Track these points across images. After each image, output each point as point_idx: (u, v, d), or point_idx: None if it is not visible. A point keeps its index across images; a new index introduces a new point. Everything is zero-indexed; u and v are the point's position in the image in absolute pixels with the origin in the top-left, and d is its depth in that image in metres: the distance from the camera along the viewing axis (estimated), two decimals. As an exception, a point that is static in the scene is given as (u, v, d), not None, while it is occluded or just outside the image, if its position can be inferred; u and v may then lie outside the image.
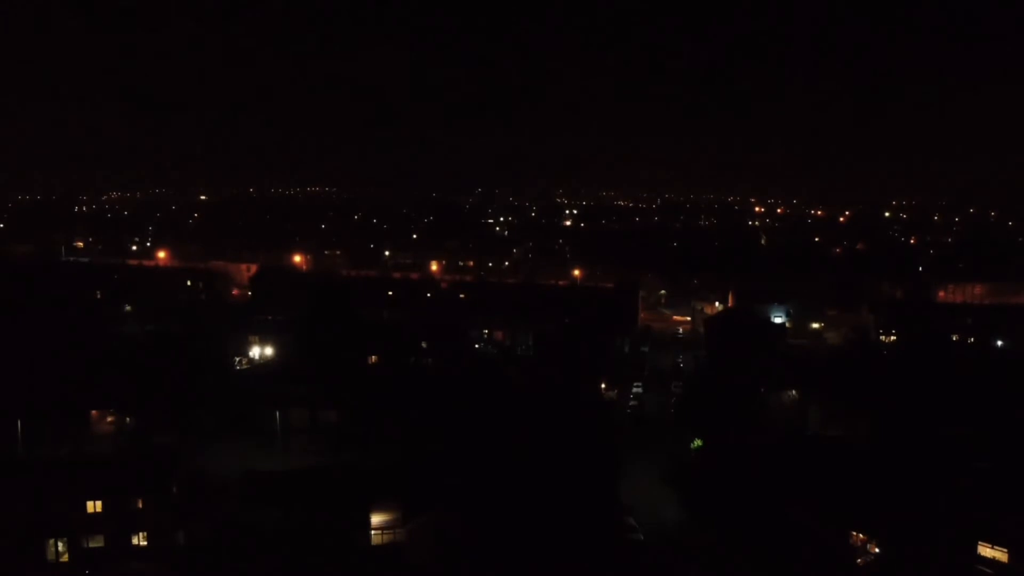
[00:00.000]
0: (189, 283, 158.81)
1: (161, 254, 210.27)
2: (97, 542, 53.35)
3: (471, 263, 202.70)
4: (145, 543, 53.65)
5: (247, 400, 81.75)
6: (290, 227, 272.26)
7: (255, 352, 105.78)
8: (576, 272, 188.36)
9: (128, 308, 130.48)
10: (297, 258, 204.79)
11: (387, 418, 78.01)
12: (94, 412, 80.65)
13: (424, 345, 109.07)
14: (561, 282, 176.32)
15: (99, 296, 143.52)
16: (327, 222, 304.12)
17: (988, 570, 51.24)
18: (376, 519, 54.77)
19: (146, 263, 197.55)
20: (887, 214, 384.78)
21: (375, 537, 54.22)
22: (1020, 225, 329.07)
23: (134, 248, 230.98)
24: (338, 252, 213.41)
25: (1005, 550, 51.33)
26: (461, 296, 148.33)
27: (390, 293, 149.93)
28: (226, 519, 55.39)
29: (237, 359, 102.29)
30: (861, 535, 55.29)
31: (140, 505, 54.10)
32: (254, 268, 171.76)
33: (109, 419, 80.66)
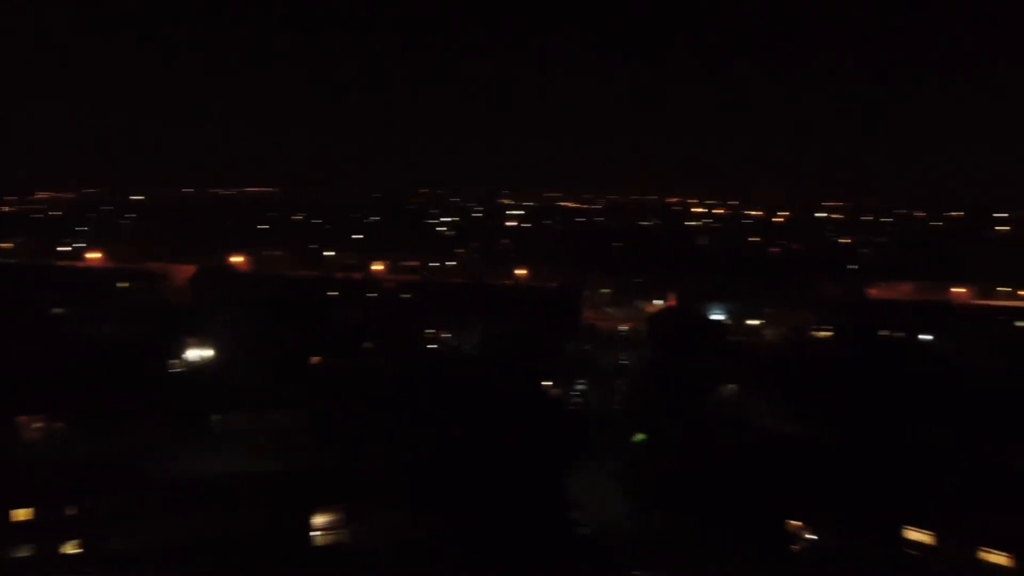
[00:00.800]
0: (124, 285, 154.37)
1: (94, 255, 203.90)
2: (26, 551, 51.53)
3: (415, 263, 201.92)
4: (79, 551, 52.05)
5: (186, 403, 79.89)
6: (229, 227, 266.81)
7: (194, 354, 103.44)
8: (521, 272, 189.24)
9: (59, 311, 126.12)
10: (237, 259, 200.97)
11: (331, 419, 77.24)
12: (23, 417, 77.80)
13: (369, 345, 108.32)
14: (506, 282, 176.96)
15: (28, 298, 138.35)
16: (267, 222, 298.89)
17: (915, 552, 53.43)
18: (319, 520, 54.24)
19: (79, 265, 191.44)
20: (821, 215, 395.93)
21: (318, 538, 53.66)
22: (946, 226, 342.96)
23: (66, 249, 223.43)
24: (279, 252, 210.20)
25: (931, 533, 53.61)
26: (406, 296, 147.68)
27: (333, 293, 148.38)
28: (163, 525, 54.11)
29: (175, 361, 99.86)
30: (798, 522, 57.02)
31: (72, 513, 52.50)
32: (192, 269, 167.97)
33: (37, 425, 77.86)
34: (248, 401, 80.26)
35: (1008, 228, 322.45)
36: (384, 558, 52.55)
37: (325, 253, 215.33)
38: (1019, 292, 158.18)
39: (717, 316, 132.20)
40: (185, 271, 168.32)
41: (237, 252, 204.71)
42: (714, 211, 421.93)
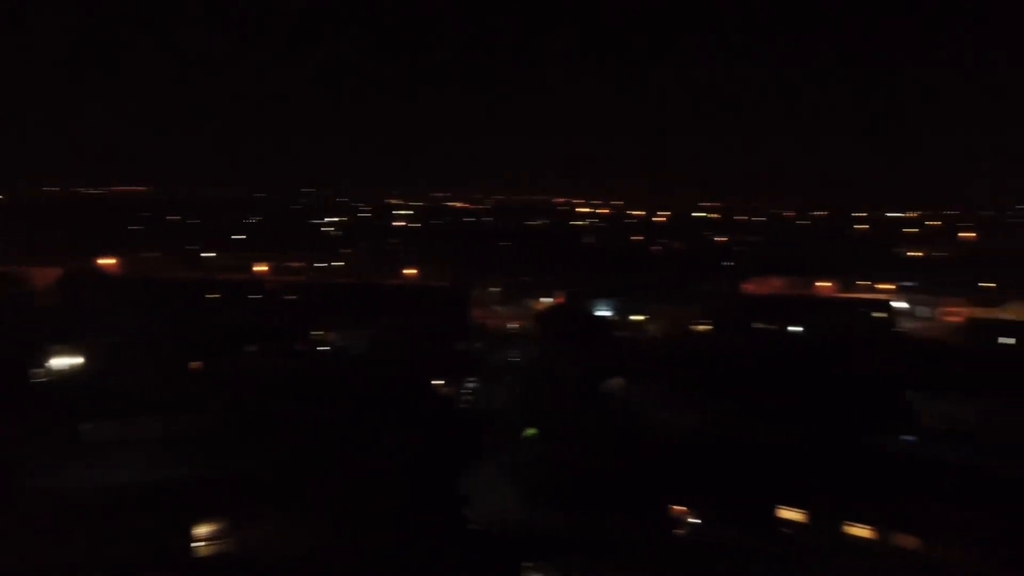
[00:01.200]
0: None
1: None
2: None
3: (300, 264, 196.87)
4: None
5: (54, 413, 74.94)
6: (98, 228, 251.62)
7: (61, 362, 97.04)
8: (410, 272, 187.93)
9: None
10: (108, 261, 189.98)
11: (213, 425, 74.40)
12: None
13: (252, 348, 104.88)
14: (394, 282, 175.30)
15: None
16: (141, 223, 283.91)
17: (788, 530, 56.80)
18: (201, 530, 52.16)
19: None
20: (699, 215, 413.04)
21: (201, 549, 51.60)
22: (812, 226, 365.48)
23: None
24: (155, 254, 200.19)
25: (801, 511, 57.17)
26: (291, 297, 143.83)
27: (214, 295, 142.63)
28: (33, 543, 50.63)
29: (39, 370, 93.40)
30: (681, 507, 59.46)
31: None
32: (58, 272, 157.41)
33: None
34: (122, 409, 76.18)
35: (866, 227, 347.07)
36: (272, 566, 51.15)
37: (204, 254, 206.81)
38: (877, 285, 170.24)
39: (603, 312, 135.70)
40: (50, 274, 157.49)
41: (107, 254, 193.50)
42: (599, 211, 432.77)
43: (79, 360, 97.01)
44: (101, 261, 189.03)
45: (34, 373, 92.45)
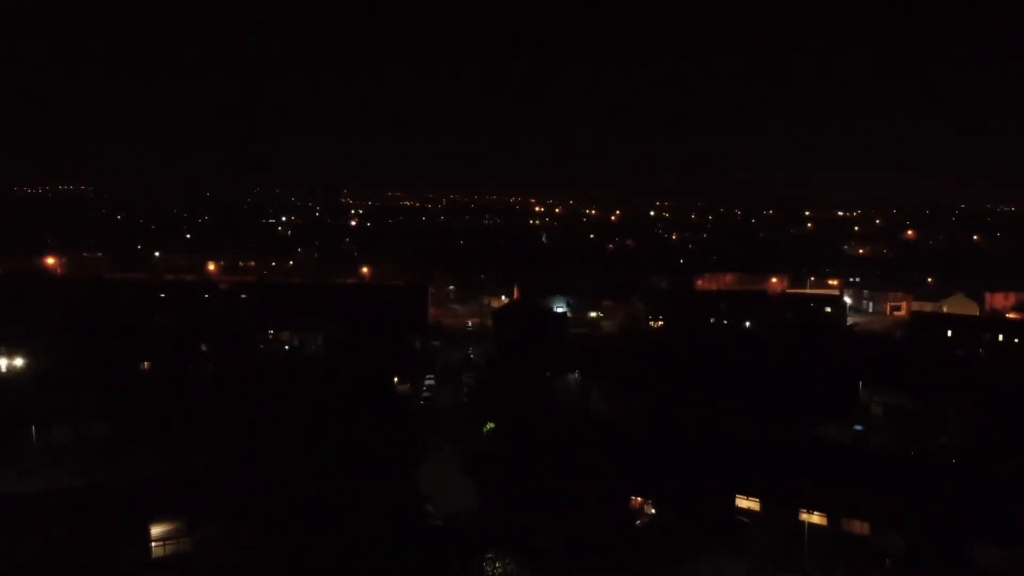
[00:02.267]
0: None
1: None
2: None
3: (252, 264, 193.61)
4: None
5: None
6: (40, 228, 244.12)
7: (1, 363, 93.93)
8: (364, 271, 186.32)
9: None
10: (50, 260, 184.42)
11: (164, 426, 72.81)
12: None
13: (203, 349, 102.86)
14: (349, 281, 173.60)
15: None
16: (84, 222, 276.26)
17: (744, 519, 57.77)
18: (157, 531, 50.97)
19: None
20: (652, 214, 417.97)
21: (156, 549, 50.44)
22: (761, 223, 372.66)
23: None
24: (99, 254, 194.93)
25: (757, 500, 58.21)
26: (242, 297, 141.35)
27: (163, 296, 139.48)
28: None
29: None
30: (639, 499, 60.05)
31: None
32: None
33: None
34: (69, 411, 74.08)
35: (811, 226, 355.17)
36: (230, 565, 50.24)
37: (154, 253, 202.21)
38: (828, 281, 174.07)
39: (558, 309, 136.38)
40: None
41: (48, 253, 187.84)
42: (554, 210, 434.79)
43: (19, 362, 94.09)
44: (42, 261, 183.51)
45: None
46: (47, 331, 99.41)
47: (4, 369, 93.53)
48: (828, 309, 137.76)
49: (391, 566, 51.58)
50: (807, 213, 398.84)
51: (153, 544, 50.40)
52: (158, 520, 51.07)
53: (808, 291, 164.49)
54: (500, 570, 51.19)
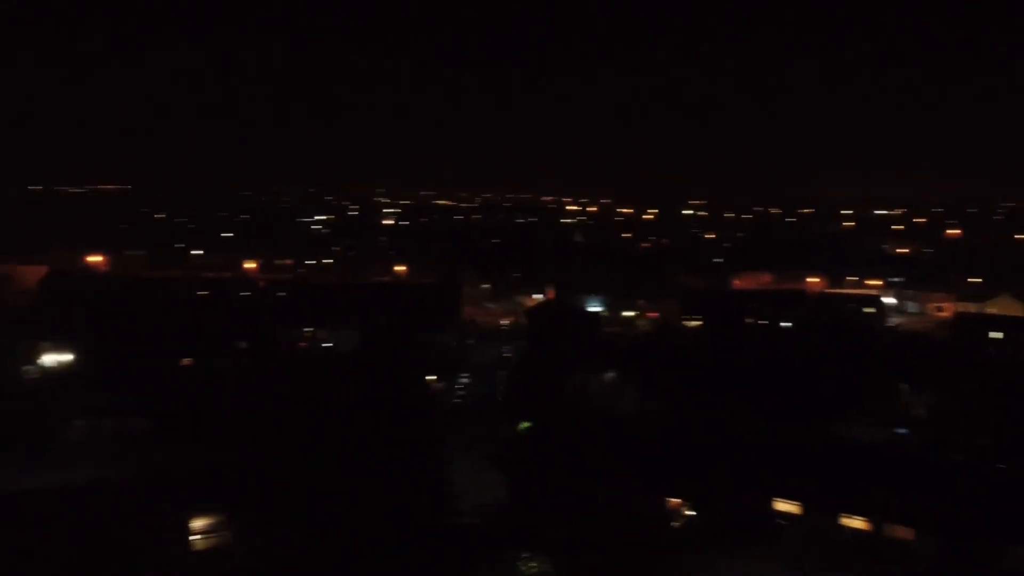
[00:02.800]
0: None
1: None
2: None
3: (289, 262, 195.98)
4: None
5: (42, 411, 74.30)
6: (83, 226, 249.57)
7: (48, 359, 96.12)
8: (398, 269, 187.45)
9: None
10: (93, 259, 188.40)
11: (204, 421, 73.90)
12: None
13: (242, 345, 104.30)
14: (384, 279, 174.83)
15: None
16: (127, 221, 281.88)
17: (783, 521, 56.97)
18: (197, 524, 51.84)
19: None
20: (687, 212, 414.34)
21: (198, 542, 51.28)
22: (798, 221, 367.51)
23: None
24: (140, 252, 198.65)
25: (796, 503, 57.35)
26: (279, 295, 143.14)
27: (202, 293, 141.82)
28: (24, 543, 50.00)
29: (26, 368, 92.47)
30: (675, 500, 59.52)
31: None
32: (43, 270, 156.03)
33: None
34: (113, 406, 75.60)
35: (853, 224, 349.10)
36: (267, 559, 50.85)
37: (192, 252, 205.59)
38: (866, 281, 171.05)
39: (593, 308, 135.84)
40: (34, 272, 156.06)
41: (93, 252, 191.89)
42: (587, 209, 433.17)
43: (68, 358, 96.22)
44: (87, 259, 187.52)
45: (25, 371, 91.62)
46: (91, 328, 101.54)
47: (52, 364, 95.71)
48: (868, 309, 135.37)
49: (425, 563, 51.81)
50: (845, 211, 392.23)
51: (193, 537, 51.24)
52: (198, 513, 51.92)
53: (847, 291, 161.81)
54: (535, 569, 51.13)
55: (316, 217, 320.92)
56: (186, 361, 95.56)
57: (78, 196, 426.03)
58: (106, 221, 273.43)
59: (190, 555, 50.67)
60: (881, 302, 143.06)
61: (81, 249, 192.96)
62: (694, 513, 58.57)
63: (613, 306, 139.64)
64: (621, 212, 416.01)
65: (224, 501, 53.36)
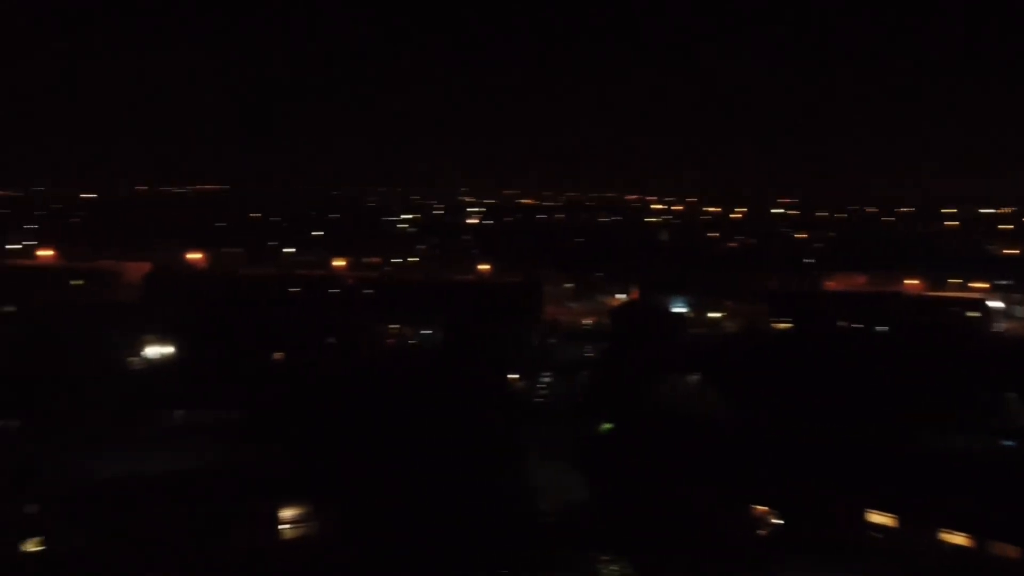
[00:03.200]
0: (76, 282, 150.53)
1: (45, 253, 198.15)
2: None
3: (376, 260, 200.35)
4: (38, 549, 50.69)
5: (143, 400, 78.27)
6: (184, 225, 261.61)
7: (151, 351, 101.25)
8: (483, 268, 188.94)
9: (10, 309, 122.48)
10: (193, 256, 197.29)
11: (293, 414, 76.29)
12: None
13: (330, 341, 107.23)
14: (468, 278, 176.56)
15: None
16: (223, 220, 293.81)
17: (877, 534, 54.62)
18: (286, 514, 53.59)
19: (28, 263, 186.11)
20: (776, 211, 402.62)
21: (285, 532, 53.01)
22: (896, 221, 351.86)
23: (14, 247, 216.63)
24: (236, 250, 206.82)
25: (892, 515, 54.86)
26: (367, 293, 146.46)
27: (292, 290, 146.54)
28: (122, 524, 52.81)
29: (131, 359, 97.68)
30: (762, 508, 57.87)
31: (23, 512, 51.17)
32: (146, 267, 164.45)
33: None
34: (208, 397, 78.96)
35: (957, 224, 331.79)
36: (351, 550, 52.08)
37: (284, 250, 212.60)
38: (970, 284, 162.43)
39: (678, 309, 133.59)
40: (139, 269, 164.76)
41: (192, 249, 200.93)
42: (673, 208, 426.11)
43: (169, 350, 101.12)
44: (187, 256, 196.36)
45: (131, 361, 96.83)
46: (190, 322, 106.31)
47: (154, 356, 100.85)
48: (972, 313, 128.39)
49: (504, 561, 52.05)
50: (948, 210, 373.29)
51: (281, 527, 52.94)
52: (287, 503, 53.65)
53: (948, 294, 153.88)
54: (616, 572, 50.69)
55: (402, 216, 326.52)
56: (278, 355, 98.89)
57: (180, 196, 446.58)
58: (205, 220, 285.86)
59: (280, 544, 52.36)
60: (987, 306, 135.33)
61: (182, 247, 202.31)
62: (781, 522, 56.83)
63: (698, 307, 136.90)
64: (707, 211, 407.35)
65: (312, 492, 54.92)
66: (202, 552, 50.66)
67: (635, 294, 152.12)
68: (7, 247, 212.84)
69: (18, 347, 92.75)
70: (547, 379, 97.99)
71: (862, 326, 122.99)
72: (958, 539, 52.03)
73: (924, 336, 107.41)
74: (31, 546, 50.79)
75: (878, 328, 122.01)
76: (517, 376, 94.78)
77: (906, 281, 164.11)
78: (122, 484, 56.11)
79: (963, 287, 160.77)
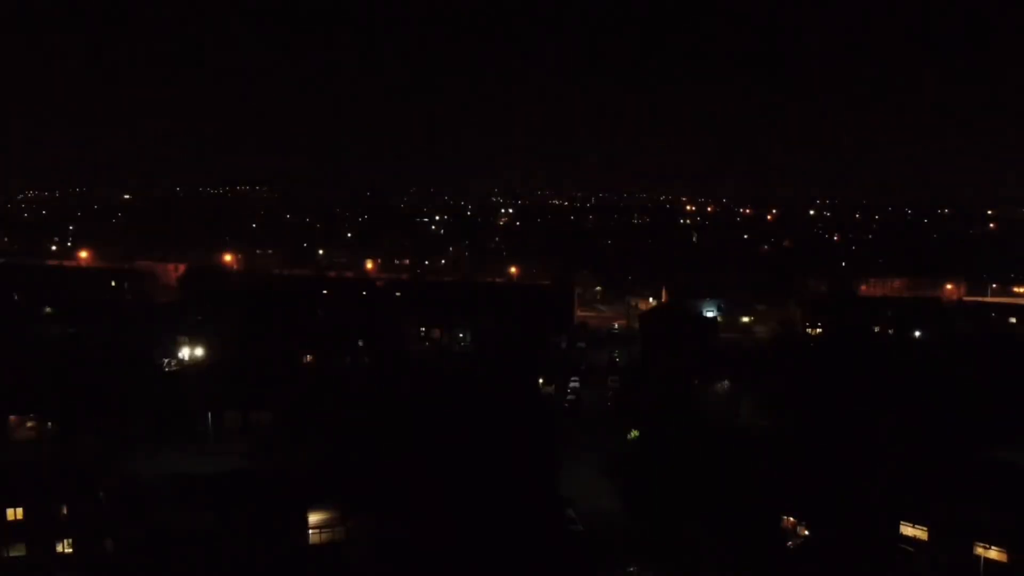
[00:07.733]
0: (114, 284, 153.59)
1: (83, 254, 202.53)
2: (19, 550, 51.14)
3: (407, 261, 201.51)
4: (70, 550, 51.65)
5: (178, 402, 79.44)
6: (219, 226, 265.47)
7: (185, 353, 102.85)
8: (513, 270, 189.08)
9: (49, 310, 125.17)
10: (228, 257, 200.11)
11: (323, 417, 76.89)
12: (13, 418, 77.32)
13: (360, 343, 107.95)
14: (498, 280, 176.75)
15: (17, 298, 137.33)
16: (258, 221, 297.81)
17: (909, 548, 53.55)
18: (314, 518, 53.97)
19: (67, 264, 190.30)
20: (811, 212, 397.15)
21: (313, 536, 53.41)
22: (934, 223, 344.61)
23: (54, 249, 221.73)
24: (270, 251, 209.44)
25: (925, 528, 53.73)
26: (397, 294, 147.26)
27: (325, 292, 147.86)
28: (156, 524, 53.70)
29: (167, 360, 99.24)
30: (791, 519, 57.07)
31: (64, 512, 52.18)
32: (182, 268, 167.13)
33: (30, 424, 77.44)
34: (240, 399, 79.90)
35: (993, 226, 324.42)
36: (378, 556, 52.32)
37: (318, 251, 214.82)
38: (1014, 289, 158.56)
39: (709, 313, 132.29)
40: (174, 270, 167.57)
41: (228, 251, 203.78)
42: (706, 209, 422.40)
43: (201, 352, 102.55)
44: (223, 257, 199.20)
45: (166, 363, 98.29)
46: (223, 325, 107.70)
47: (188, 358, 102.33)
48: (1013, 319, 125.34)
49: (532, 568, 51.88)
50: (989, 212, 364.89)
51: (311, 531, 53.38)
52: (316, 508, 54.05)
53: (990, 299, 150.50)
54: (644, 582, 50.31)
55: (434, 217, 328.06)
56: (308, 358, 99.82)
57: (216, 198, 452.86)
58: (241, 222, 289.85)
59: (308, 548, 52.79)
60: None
61: (218, 248, 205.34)
62: (810, 534, 56.00)
63: (730, 311, 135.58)
64: (741, 212, 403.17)
65: (340, 497, 55.24)
66: (238, 552, 51.27)
67: (666, 297, 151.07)
68: (45, 249, 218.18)
69: (58, 348, 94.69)
70: (575, 384, 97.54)
71: (897, 332, 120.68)
72: (993, 553, 50.83)
73: (962, 343, 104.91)
74: (64, 547, 51.86)
75: (915, 334, 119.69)
76: (545, 380, 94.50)
77: (945, 286, 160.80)
78: (162, 485, 57.03)
79: (1005, 292, 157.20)
